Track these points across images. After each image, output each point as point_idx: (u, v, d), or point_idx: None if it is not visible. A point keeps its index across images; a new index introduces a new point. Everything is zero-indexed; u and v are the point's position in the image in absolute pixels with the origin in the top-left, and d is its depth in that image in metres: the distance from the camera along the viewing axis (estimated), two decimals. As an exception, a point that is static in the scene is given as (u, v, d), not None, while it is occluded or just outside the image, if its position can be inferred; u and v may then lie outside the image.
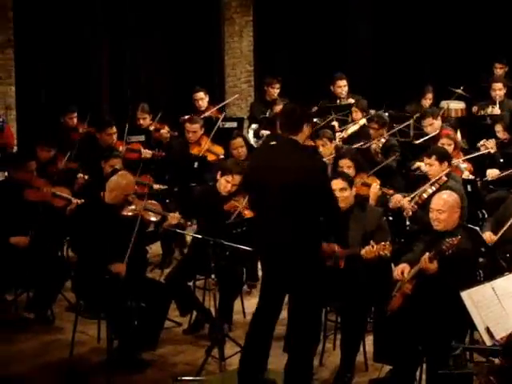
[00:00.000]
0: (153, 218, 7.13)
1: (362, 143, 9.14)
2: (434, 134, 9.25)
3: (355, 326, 6.33)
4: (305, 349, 5.85)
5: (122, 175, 6.94)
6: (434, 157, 7.58)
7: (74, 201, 7.85)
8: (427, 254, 5.92)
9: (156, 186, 8.56)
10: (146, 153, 9.44)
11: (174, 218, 7.14)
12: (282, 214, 5.67)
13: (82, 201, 7.70)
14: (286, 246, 5.68)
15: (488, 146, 9.05)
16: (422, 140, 9.50)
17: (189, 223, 7.23)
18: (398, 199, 7.55)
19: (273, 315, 5.93)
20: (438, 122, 9.46)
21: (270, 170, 5.71)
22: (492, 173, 8.06)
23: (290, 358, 5.88)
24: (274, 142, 6.08)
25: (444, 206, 6.14)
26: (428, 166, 7.62)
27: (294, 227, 5.65)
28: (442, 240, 5.94)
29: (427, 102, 10.99)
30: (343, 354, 6.35)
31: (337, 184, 6.58)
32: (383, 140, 9.10)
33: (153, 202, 7.40)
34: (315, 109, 10.46)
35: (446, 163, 7.62)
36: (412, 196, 7.54)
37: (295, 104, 5.93)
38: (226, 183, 7.40)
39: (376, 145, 8.92)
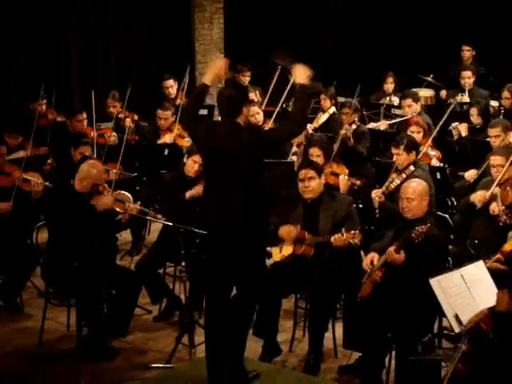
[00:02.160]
0: (120, 209, 7.06)
1: (336, 133, 9.14)
2: (405, 117, 9.29)
3: (323, 312, 6.37)
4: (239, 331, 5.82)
5: (93, 164, 6.87)
6: (401, 147, 7.61)
7: (41, 183, 7.81)
8: (393, 245, 5.94)
9: (125, 174, 8.52)
10: (113, 135, 9.36)
11: (133, 208, 7.07)
12: (227, 196, 5.61)
13: (48, 184, 7.69)
14: (234, 226, 5.60)
15: (460, 129, 9.11)
16: (393, 122, 9.54)
17: (159, 216, 7.19)
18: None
19: (225, 301, 5.81)
20: (417, 106, 9.49)
21: (214, 150, 5.65)
22: (470, 174, 8.07)
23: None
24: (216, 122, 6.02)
25: (413, 194, 6.17)
26: (396, 155, 7.64)
27: (242, 207, 5.58)
28: (411, 228, 5.97)
29: (389, 86, 11.01)
30: (311, 340, 6.39)
31: (306, 173, 6.59)
32: (354, 126, 9.14)
33: (122, 192, 7.36)
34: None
35: (413, 152, 7.64)
36: (383, 188, 7.57)
37: (231, 89, 5.88)
38: (193, 163, 7.39)
39: (347, 130, 8.95)
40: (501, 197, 6.88)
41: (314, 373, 6.26)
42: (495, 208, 6.84)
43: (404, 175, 7.55)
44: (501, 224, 6.75)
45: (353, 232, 6.37)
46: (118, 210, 6.90)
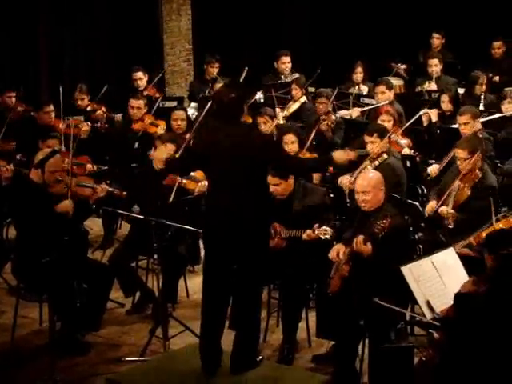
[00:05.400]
0: (85, 193, 7.06)
1: (307, 123, 9.17)
2: (376, 105, 9.31)
3: (295, 303, 6.39)
4: (253, 323, 5.86)
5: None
6: (375, 134, 7.64)
7: (6, 168, 7.78)
8: (360, 236, 5.92)
9: (89, 166, 8.49)
10: (85, 125, 9.31)
11: (102, 189, 7.08)
12: (233, 191, 5.61)
13: (12, 168, 7.74)
14: (239, 220, 5.61)
15: (431, 114, 9.13)
16: (365, 109, 9.54)
17: (124, 193, 7.21)
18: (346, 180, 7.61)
19: (224, 294, 5.83)
20: (389, 94, 9.50)
21: (219, 149, 5.63)
22: (433, 170, 8.11)
23: (239, 334, 5.87)
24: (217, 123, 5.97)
25: (368, 187, 6.13)
26: (370, 143, 7.66)
27: (246, 202, 5.59)
28: (371, 219, 5.98)
29: (358, 76, 11.01)
30: (284, 331, 6.41)
31: (270, 180, 6.42)
32: (333, 117, 9.16)
33: (84, 177, 7.36)
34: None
35: (386, 139, 7.69)
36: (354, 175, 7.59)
37: (229, 91, 5.80)
38: (159, 154, 7.39)
39: (329, 121, 8.99)
40: (456, 194, 6.94)
41: (288, 363, 6.28)
42: (444, 210, 6.91)
43: (377, 162, 7.59)
44: (450, 227, 6.83)
45: (324, 228, 6.37)
46: (85, 195, 6.90)
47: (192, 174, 7.63)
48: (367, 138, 7.70)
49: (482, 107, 9.44)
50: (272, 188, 6.54)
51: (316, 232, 6.36)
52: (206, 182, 7.29)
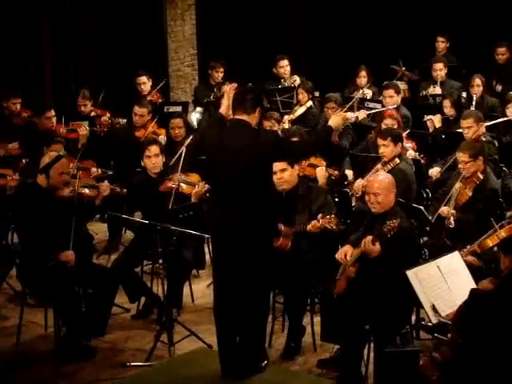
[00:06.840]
0: (89, 193, 7.08)
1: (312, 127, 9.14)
2: (382, 108, 9.29)
3: (297, 305, 6.39)
4: (257, 328, 5.85)
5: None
6: (389, 138, 7.62)
7: (12, 177, 7.80)
8: (369, 236, 5.92)
9: (94, 170, 8.50)
10: (83, 129, 9.31)
11: (106, 187, 7.12)
12: (237, 195, 5.63)
13: (18, 177, 7.75)
14: (241, 226, 5.64)
15: (434, 120, 9.14)
16: (371, 112, 9.52)
17: (124, 190, 7.23)
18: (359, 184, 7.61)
19: (234, 298, 5.85)
20: (397, 98, 9.49)
21: (225, 152, 5.67)
22: (434, 172, 8.12)
23: (243, 338, 5.86)
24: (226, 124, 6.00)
25: (379, 189, 6.14)
26: (383, 146, 7.65)
27: (249, 208, 5.62)
28: (381, 220, 5.98)
29: (362, 80, 11.01)
30: (290, 324, 6.45)
31: (277, 165, 6.53)
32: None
33: (86, 178, 7.40)
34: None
35: (399, 144, 7.68)
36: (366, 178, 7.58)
37: (253, 87, 5.92)
38: (147, 160, 7.41)
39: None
40: (458, 195, 6.95)
41: (294, 354, 6.35)
42: (444, 210, 6.92)
43: (389, 167, 7.58)
44: (451, 226, 6.83)
45: (328, 217, 6.38)
46: (89, 194, 6.91)
47: (187, 178, 7.63)
48: (380, 141, 7.68)
49: (473, 108, 9.41)
50: (279, 175, 6.55)
51: (321, 221, 6.37)
52: (201, 185, 7.33)
